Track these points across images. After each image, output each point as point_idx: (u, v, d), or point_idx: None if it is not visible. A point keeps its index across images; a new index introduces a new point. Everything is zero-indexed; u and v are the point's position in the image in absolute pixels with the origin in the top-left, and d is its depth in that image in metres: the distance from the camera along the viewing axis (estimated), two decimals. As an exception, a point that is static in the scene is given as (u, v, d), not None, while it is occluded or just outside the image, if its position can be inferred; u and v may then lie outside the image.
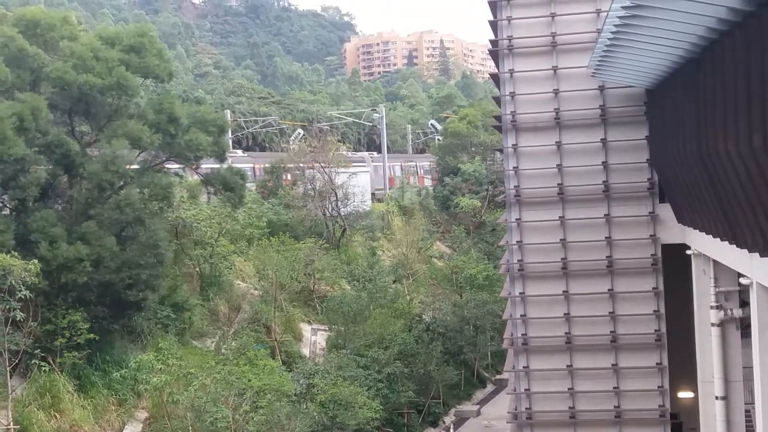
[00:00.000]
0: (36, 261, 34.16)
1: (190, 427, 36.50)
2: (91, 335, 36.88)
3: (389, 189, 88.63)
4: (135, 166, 41.97)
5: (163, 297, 43.88)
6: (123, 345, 41.05)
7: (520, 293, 33.91)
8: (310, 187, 67.59)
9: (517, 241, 33.94)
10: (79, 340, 36.60)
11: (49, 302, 37.34)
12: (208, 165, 47.74)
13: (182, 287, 47.05)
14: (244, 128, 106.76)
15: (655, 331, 32.87)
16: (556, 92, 33.41)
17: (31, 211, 38.23)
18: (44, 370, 35.55)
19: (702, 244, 28.08)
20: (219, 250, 50.95)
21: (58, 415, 35.34)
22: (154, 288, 40.72)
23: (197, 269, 50.41)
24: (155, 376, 36.94)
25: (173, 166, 47.68)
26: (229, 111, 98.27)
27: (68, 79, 39.08)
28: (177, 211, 48.67)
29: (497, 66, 34.60)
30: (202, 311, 48.16)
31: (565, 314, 33.46)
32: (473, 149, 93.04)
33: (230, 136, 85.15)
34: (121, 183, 40.15)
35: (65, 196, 41.87)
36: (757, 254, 20.32)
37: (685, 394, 35.30)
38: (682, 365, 33.14)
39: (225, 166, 46.79)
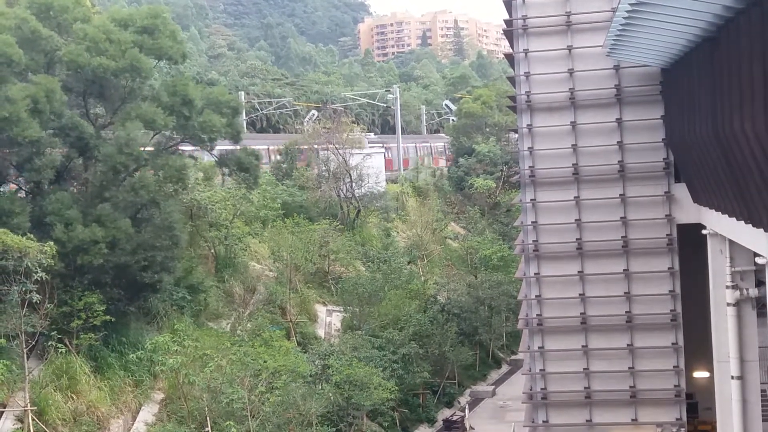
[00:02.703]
0: (52, 243, 34.27)
1: (206, 408, 36.67)
2: (107, 317, 37.02)
3: (403, 170, 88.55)
4: (149, 149, 41.99)
5: (178, 279, 44.01)
6: (139, 326, 41.21)
7: (535, 274, 33.87)
8: (324, 168, 67.58)
9: (532, 222, 33.88)
10: (95, 322, 36.75)
11: (65, 284, 37.49)
12: (223, 146, 47.80)
13: (197, 269, 47.16)
14: (258, 110, 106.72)
15: (671, 311, 32.82)
16: (571, 72, 33.26)
17: (47, 193, 38.36)
18: (61, 352, 35.73)
19: (718, 223, 27.97)
20: (234, 232, 51.03)
21: (75, 397, 35.55)
22: (169, 270, 40.83)
23: (212, 251, 50.53)
24: (171, 357, 37.10)
25: (188, 147, 47.71)
26: (243, 92, 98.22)
27: (82, 61, 39.08)
28: (192, 192, 48.71)
29: (512, 46, 34.47)
30: (218, 293, 48.29)
31: (580, 294, 33.43)
32: (488, 130, 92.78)
33: (244, 117, 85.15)
34: (136, 165, 40.16)
35: (80, 179, 41.96)
36: (773, 234, 20.24)
37: (700, 374, 35.29)
38: (697, 345, 33.11)
39: (239, 147, 46.80)
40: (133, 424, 37.10)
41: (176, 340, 38.39)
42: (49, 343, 35.64)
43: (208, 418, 36.57)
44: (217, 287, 48.63)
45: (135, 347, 39.27)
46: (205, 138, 43.44)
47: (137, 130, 39.40)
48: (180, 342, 38.25)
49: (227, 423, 34.96)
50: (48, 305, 35.06)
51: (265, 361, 38.63)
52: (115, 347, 39.11)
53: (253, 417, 35.98)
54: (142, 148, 40.26)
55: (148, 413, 38.06)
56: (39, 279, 33.31)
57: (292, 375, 39.05)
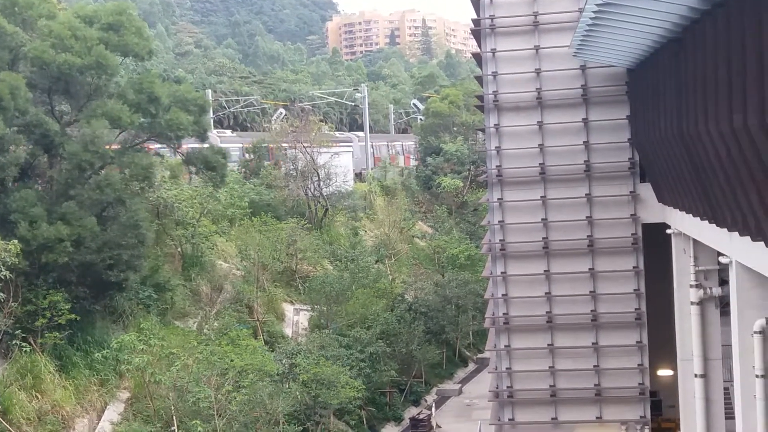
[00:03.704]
0: (16, 241, 33.99)
1: (173, 407, 36.53)
2: (72, 315, 36.76)
3: (371, 168, 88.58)
4: (115, 146, 41.73)
5: (144, 277, 43.76)
6: (104, 325, 40.94)
7: (501, 273, 34.02)
8: (292, 167, 67.45)
9: (499, 221, 34.02)
10: (60, 321, 36.48)
11: (30, 283, 37.18)
12: (190, 144, 47.58)
13: (164, 267, 46.93)
14: (225, 108, 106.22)
15: (636, 309, 33.07)
16: (538, 72, 33.42)
17: (11, 191, 38.00)
18: (25, 351, 35.45)
19: (682, 223, 28.23)
20: (201, 231, 50.82)
21: (39, 396, 35.28)
22: (135, 268, 40.60)
23: (179, 249, 50.29)
24: (137, 356, 36.91)
25: (154, 145, 47.43)
26: (210, 90, 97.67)
27: (47, 58, 38.75)
28: (158, 191, 48.46)
29: (479, 45, 34.57)
30: (184, 291, 48.07)
31: (546, 293, 33.61)
32: (455, 129, 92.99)
33: (211, 115, 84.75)
34: (101, 163, 39.90)
35: (45, 177, 41.61)
36: (736, 233, 20.44)
37: (664, 372, 35.60)
38: (661, 344, 33.38)
39: (206, 145, 46.62)
40: (98, 424, 36.86)
41: (142, 338, 38.19)
42: (14, 342, 35.35)
43: (174, 417, 36.42)
44: (184, 286, 48.40)
45: (100, 346, 39.01)
46: (171, 136, 43.22)
47: (103, 128, 39.13)
48: (146, 341, 38.05)
49: (194, 422, 34.84)
50: (12, 304, 34.78)
51: (231, 360, 38.54)
52: (81, 346, 38.83)
53: (219, 416, 35.88)
54: (107, 146, 40.01)
55: (113, 412, 37.84)
56: (3, 277, 33.02)
57: (259, 374, 38.98)
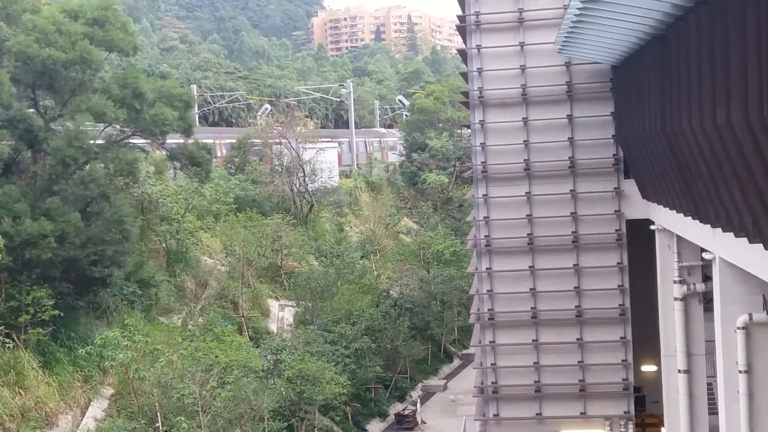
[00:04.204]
0: (-1, 237, 33.86)
1: (157, 404, 36.44)
2: (56, 312, 36.63)
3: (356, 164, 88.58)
4: (100, 141, 41.60)
5: (129, 273, 43.65)
6: (88, 321, 40.81)
7: (486, 268, 34.05)
8: (277, 162, 67.37)
9: (484, 217, 34.05)
10: (43, 317, 36.34)
11: (13, 278, 37.03)
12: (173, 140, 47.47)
13: (148, 263, 46.82)
14: (210, 103, 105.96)
15: (620, 305, 33.17)
16: (523, 68, 33.44)
17: (-6, 186, 37.86)
18: (8, 347, 35.30)
19: (666, 219, 28.34)
20: (185, 226, 50.72)
21: (22, 392, 35.14)
22: (119, 264, 40.49)
23: (163, 245, 50.17)
24: (121, 352, 36.81)
25: (139, 141, 47.31)
26: (195, 86, 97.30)
27: (31, 53, 38.59)
28: (143, 186, 48.36)
29: (464, 42, 34.57)
30: (169, 287, 47.97)
31: (531, 289, 33.66)
32: (441, 125, 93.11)
33: (196, 111, 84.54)
34: (86, 158, 39.77)
35: (29, 172, 41.44)
36: (719, 229, 20.53)
37: (648, 368, 35.75)
38: (645, 339, 33.52)
39: (191, 140, 46.52)
40: (82, 420, 36.75)
41: (126, 335, 38.11)
42: (-3, 338, 35.19)
43: (158, 414, 36.34)
44: (169, 282, 48.31)
45: (84, 342, 38.89)
46: (156, 131, 43.11)
47: (87, 123, 39.01)
48: (130, 337, 37.98)
49: (178, 418, 34.78)
50: (-5, 300, 34.62)
51: (216, 356, 38.49)
52: (64, 342, 38.71)
53: (204, 412, 35.81)
54: (92, 141, 39.86)
55: (97, 409, 37.73)
56: (-14, 273, 32.88)
57: (244, 370, 38.92)
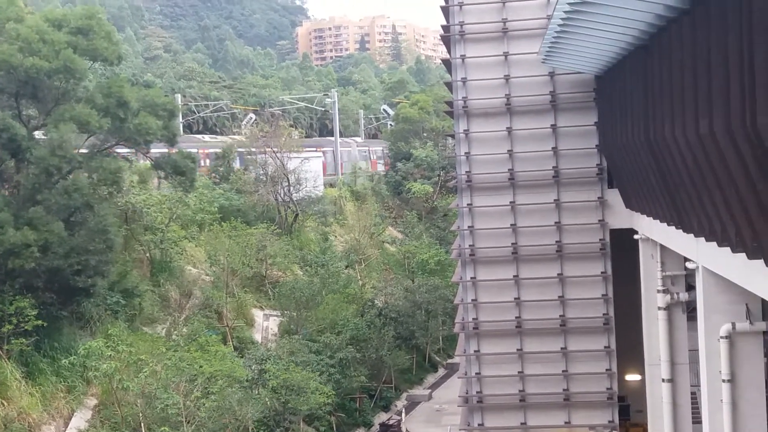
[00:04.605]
0: (-18, 247, 33.68)
1: (141, 414, 36.30)
2: (39, 322, 36.44)
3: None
4: (83, 151, 41.48)
5: (112, 283, 43.48)
6: (72, 331, 40.62)
7: (471, 278, 34.09)
8: (262, 172, 67.28)
9: (469, 227, 34.10)
10: (26, 327, 36.15)
11: (-4, 288, 36.85)
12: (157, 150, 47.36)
13: (132, 273, 46.64)
14: (194, 112, 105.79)
15: (604, 314, 33.25)
16: (507, 78, 33.55)
17: (-23, 196, 37.70)
18: (-9, 358, 35.12)
19: (649, 228, 28.45)
20: (170, 236, 50.56)
21: (5, 403, 34.92)
22: (103, 274, 40.34)
23: (147, 255, 50.01)
24: (105, 362, 36.64)
25: (123, 150, 47.18)
26: (179, 95, 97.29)
27: (14, 62, 38.47)
28: (127, 196, 48.22)
29: (449, 51, 34.66)
30: (153, 297, 47.80)
31: (515, 299, 33.71)
32: (425, 135, 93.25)
33: (181, 120, 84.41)
34: (69, 168, 39.64)
35: (12, 181, 41.30)
36: (702, 239, 20.63)
37: (632, 377, 35.80)
38: (629, 348, 33.58)
39: (175, 149, 46.45)
40: (65, 431, 36.55)
41: (110, 345, 37.94)
42: (-21, 349, 34.98)
43: (142, 424, 36.20)
44: (153, 291, 48.13)
45: (68, 352, 38.71)
46: (140, 140, 43.03)
47: (71, 132, 38.89)
48: (114, 347, 37.80)
49: (162, 429, 34.65)
50: (-22, 310, 34.42)
51: (200, 366, 38.35)
52: (47, 352, 38.51)
53: (188, 423, 35.70)
54: (75, 151, 39.74)
55: (80, 419, 37.53)
56: (-32, 283, 32.69)
57: (229, 380, 38.81)
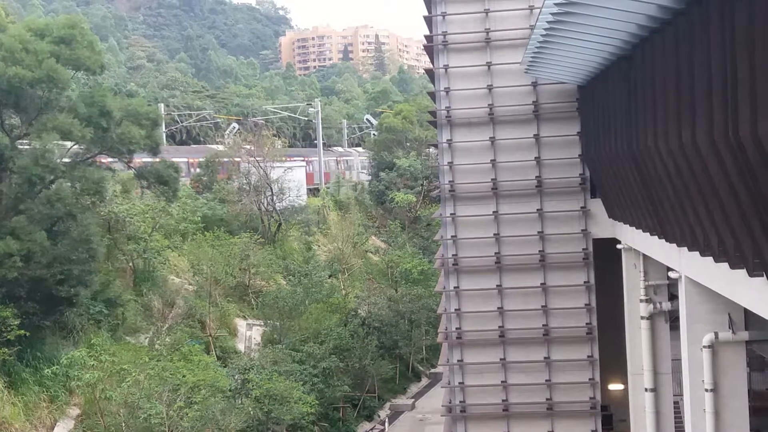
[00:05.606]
0: (-36, 256, 33.50)
1: (123, 424, 36.13)
2: (22, 331, 36.27)
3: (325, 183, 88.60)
4: (66, 160, 41.35)
5: (95, 292, 43.31)
6: (54, 341, 40.43)
7: (454, 287, 34.12)
8: (245, 181, 67.22)
9: (452, 236, 34.15)
10: (9, 337, 35.97)
11: (-22, 298, 36.66)
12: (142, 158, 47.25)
13: (115, 282, 46.48)
14: (178, 122, 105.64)
15: (587, 324, 33.32)
16: (490, 88, 33.65)
17: (-41, 205, 37.51)
18: (-27, 368, 34.92)
19: (632, 238, 28.56)
20: (153, 245, 50.44)
21: (-13, 413, 34.74)
22: (86, 283, 40.18)
23: (130, 264, 49.85)
24: (87, 372, 36.52)
25: (106, 159, 47.06)
26: (162, 104, 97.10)
27: (-3, 71, 38.35)
28: (110, 205, 48.09)
29: (432, 61, 34.74)
30: (136, 307, 47.65)
31: (498, 308, 33.75)
32: (408, 144, 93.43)
33: (164, 129, 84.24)
34: (52, 177, 39.52)
35: (-6, 191, 41.09)
36: (685, 248, 20.73)
37: (615, 387, 35.88)
38: (612, 358, 33.65)
39: (159, 159, 46.36)
40: (47, 441, 36.37)
41: (93, 354, 37.80)
42: (-39, 359, 34.77)
43: (125, 434, 36.03)
44: (136, 301, 47.99)
45: (50, 362, 38.54)
46: (123, 150, 42.95)
47: (54, 142, 38.76)
48: (97, 357, 37.67)
49: (145, 439, 34.51)
50: (-41, 320, 34.21)
51: (183, 376, 38.25)
52: (30, 362, 38.33)
53: (171, 432, 35.57)
54: (58, 160, 39.61)
55: (63, 429, 37.36)
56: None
57: (212, 390, 38.71)
